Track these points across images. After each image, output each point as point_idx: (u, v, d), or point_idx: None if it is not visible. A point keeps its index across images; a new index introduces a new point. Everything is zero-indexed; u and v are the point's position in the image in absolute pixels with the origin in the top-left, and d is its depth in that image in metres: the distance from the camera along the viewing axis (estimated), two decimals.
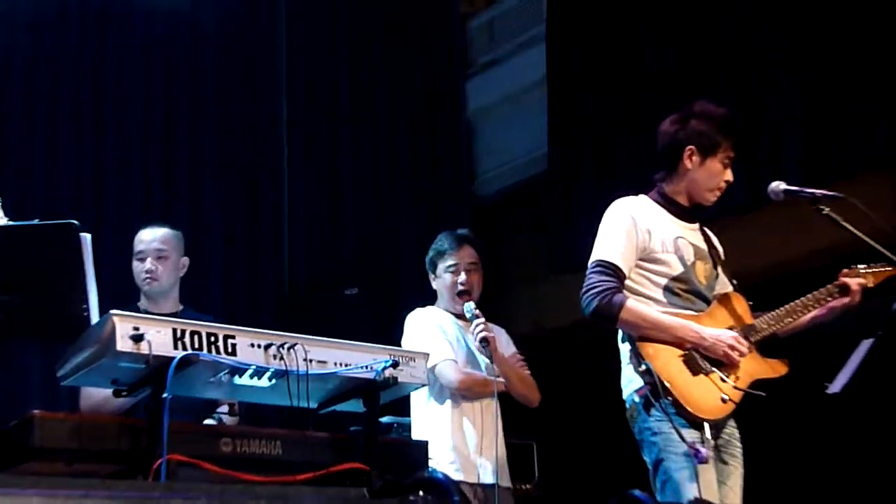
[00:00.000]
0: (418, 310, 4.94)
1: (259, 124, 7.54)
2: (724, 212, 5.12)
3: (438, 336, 4.80)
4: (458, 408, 4.75)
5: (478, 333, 4.67)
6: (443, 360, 4.73)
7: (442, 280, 4.94)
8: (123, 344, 2.91)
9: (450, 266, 4.91)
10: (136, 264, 4.88)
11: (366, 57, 8.16)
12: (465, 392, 4.74)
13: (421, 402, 4.84)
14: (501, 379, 4.72)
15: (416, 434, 4.81)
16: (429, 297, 5.05)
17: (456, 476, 4.56)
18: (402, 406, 4.88)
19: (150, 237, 4.91)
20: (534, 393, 4.88)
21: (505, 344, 4.96)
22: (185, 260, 4.98)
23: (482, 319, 4.71)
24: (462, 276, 4.89)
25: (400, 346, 4.71)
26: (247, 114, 7.47)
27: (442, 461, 4.61)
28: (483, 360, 4.75)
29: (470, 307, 4.77)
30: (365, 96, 8.09)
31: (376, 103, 8.12)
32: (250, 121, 7.48)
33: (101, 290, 3.37)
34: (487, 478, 4.66)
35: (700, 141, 3.97)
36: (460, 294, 4.87)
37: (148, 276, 4.82)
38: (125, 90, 6.99)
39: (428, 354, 3.53)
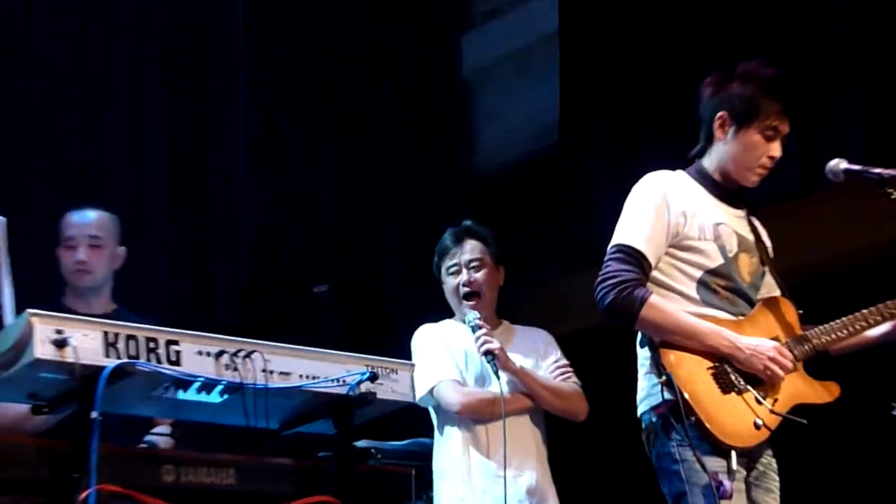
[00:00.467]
0: (424, 326, 5.01)
1: (209, 88, 7.53)
2: (774, 196, 5.11)
3: (439, 352, 4.86)
4: (468, 433, 4.78)
5: (480, 347, 4.71)
6: (440, 380, 4.78)
7: (446, 285, 4.99)
8: (43, 350, 2.92)
9: (450, 268, 4.97)
10: (63, 253, 4.89)
11: (341, 8, 8.14)
12: (471, 415, 4.77)
13: (436, 429, 4.90)
14: (514, 394, 4.75)
15: (434, 467, 4.86)
16: (417, 299, 5.07)
17: None
18: (380, 428, 4.89)
19: (83, 221, 4.93)
20: (575, 405, 4.89)
21: (542, 349, 5.00)
22: (122, 250, 5.01)
23: (483, 330, 4.75)
24: (463, 276, 4.93)
25: (378, 355, 4.72)
26: (195, 75, 7.45)
27: (451, 497, 4.68)
28: (505, 374, 4.76)
29: (471, 318, 4.81)
30: (339, 54, 8.06)
31: (355, 64, 8.10)
32: (198, 84, 7.46)
33: (17, 285, 3.37)
34: None
35: (734, 106, 3.95)
36: (467, 297, 4.92)
37: (79, 267, 4.84)
38: (53, 50, 6.99)
39: (413, 366, 3.55)
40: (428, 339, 4.93)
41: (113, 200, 5.63)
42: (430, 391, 4.74)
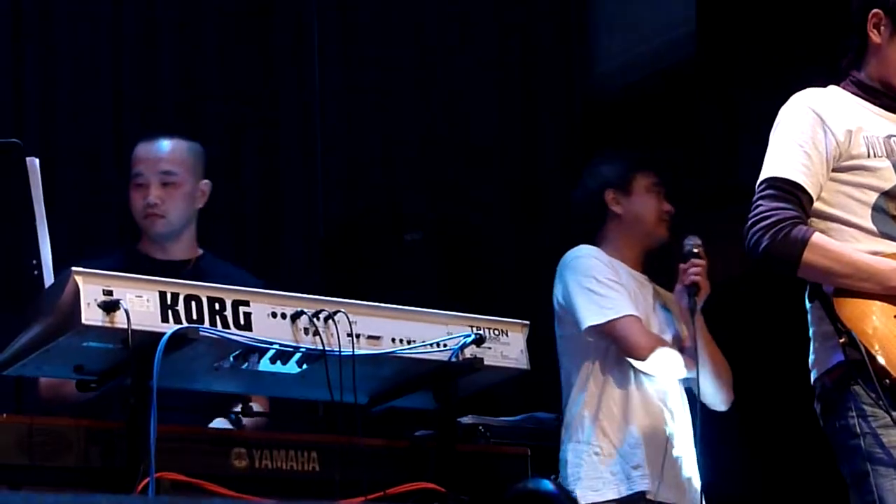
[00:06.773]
0: (585, 247, 4.94)
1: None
2: None
3: (616, 282, 4.82)
4: (639, 391, 4.76)
5: (690, 274, 4.68)
6: (624, 313, 4.72)
7: (644, 206, 4.98)
8: (90, 314, 2.94)
9: (654, 185, 5.01)
10: (133, 194, 4.83)
11: None
12: (653, 369, 4.74)
13: (579, 381, 4.82)
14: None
15: (568, 429, 4.79)
16: (527, 245, 5.03)
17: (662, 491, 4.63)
18: (488, 401, 4.88)
19: (154, 154, 4.84)
20: (730, 389, 4.89)
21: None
22: (206, 185, 4.93)
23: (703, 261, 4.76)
24: (665, 204, 5.01)
25: (483, 313, 4.71)
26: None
27: (610, 467, 4.66)
28: (671, 326, 4.81)
29: (695, 242, 4.80)
30: None
31: None
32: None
33: (59, 235, 3.38)
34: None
35: (889, 1, 3.90)
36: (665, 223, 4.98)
37: (150, 210, 4.79)
38: None
39: (527, 325, 3.52)
40: (600, 263, 4.87)
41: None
42: (602, 328, 4.68)
